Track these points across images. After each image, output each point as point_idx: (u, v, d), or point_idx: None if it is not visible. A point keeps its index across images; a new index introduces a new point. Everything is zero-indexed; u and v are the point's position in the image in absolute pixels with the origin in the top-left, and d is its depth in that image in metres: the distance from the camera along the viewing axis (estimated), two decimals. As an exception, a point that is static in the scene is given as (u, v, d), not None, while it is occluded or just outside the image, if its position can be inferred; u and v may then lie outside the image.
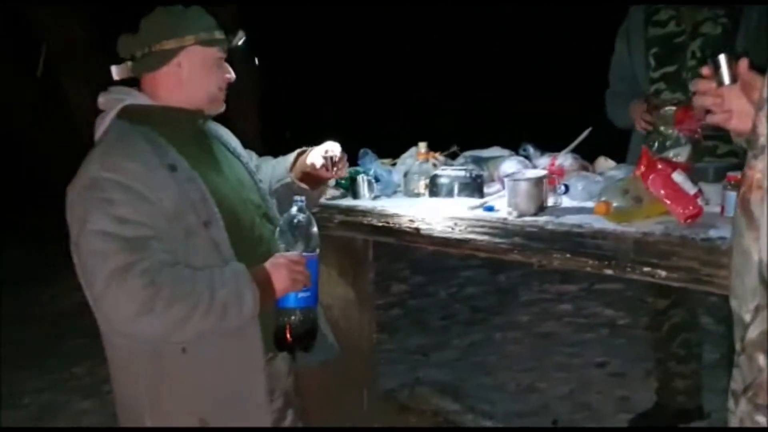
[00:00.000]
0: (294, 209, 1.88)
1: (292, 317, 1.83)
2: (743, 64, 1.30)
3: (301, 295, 1.81)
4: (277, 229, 1.90)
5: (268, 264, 1.79)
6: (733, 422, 1.03)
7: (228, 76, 1.93)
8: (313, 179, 2.20)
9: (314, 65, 10.63)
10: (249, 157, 2.17)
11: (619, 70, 2.97)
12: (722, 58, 1.34)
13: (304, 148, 2.27)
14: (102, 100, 1.86)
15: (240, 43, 1.94)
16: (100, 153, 1.74)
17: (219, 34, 1.87)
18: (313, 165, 2.15)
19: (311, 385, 2.41)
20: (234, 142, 2.10)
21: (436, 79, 10.61)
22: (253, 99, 7.35)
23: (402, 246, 2.48)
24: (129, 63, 1.85)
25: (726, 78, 1.33)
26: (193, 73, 1.84)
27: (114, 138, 1.77)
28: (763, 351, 0.96)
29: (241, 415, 1.82)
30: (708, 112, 1.38)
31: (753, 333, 0.99)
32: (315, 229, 1.91)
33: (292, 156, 2.26)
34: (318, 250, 1.89)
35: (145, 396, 1.81)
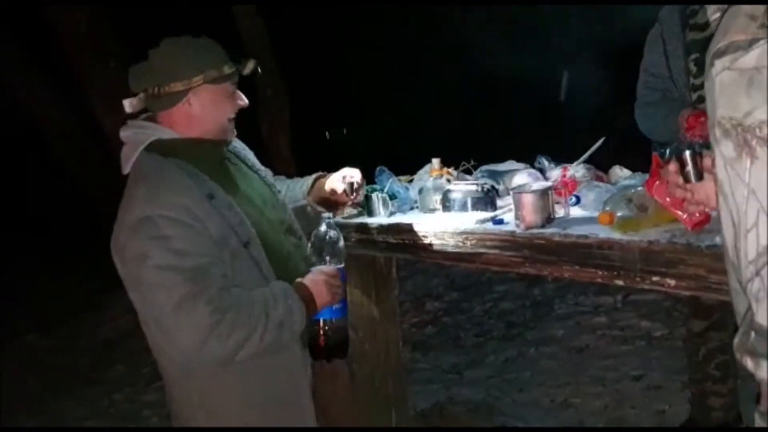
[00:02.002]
0: (324, 226, 1.98)
1: (327, 327, 1.92)
2: (707, 161, 1.38)
3: (336, 306, 1.91)
4: (309, 245, 2.00)
5: (307, 281, 1.87)
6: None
7: (240, 102, 1.96)
8: (330, 203, 2.26)
9: (338, 80, 10.70)
10: (266, 171, 2.21)
11: (651, 79, 2.75)
12: (687, 156, 1.44)
13: (322, 173, 2.33)
14: (126, 134, 1.90)
15: (249, 71, 1.96)
16: (145, 190, 1.78)
17: (228, 68, 1.89)
18: (333, 191, 2.23)
19: (339, 405, 2.41)
20: (250, 156, 2.14)
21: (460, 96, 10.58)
22: (283, 118, 7.42)
23: (437, 262, 2.49)
24: (141, 96, 1.89)
25: (692, 176, 1.45)
26: (204, 109, 1.88)
27: (153, 173, 1.82)
28: (747, 353, 0.97)
29: (290, 421, 1.91)
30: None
31: (736, 338, 1.00)
32: (342, 242, 2.01)
33: (310, 179, 2.32)
34: (344, 263, 1.99)
35: (200, 412, 1.89)
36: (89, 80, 7.09)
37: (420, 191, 2.53)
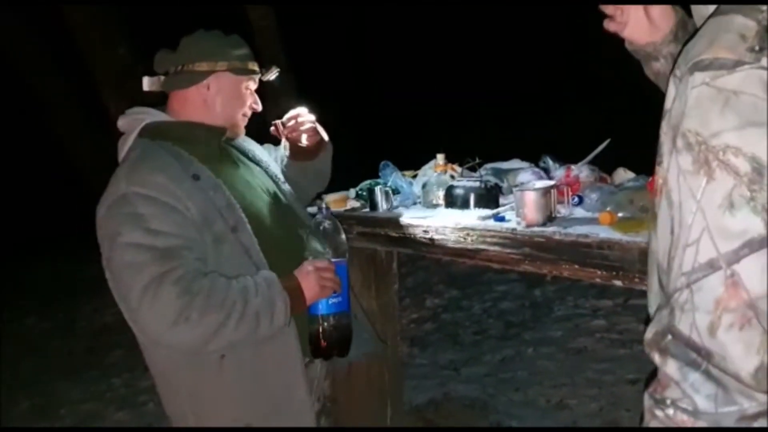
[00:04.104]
0: (319, 216, 1.94)
1: (325, 324, 1.87)
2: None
3: (332, 301, 1.86)
4: (305, 236, 1.94)
5: (296, 272, 1.82)
6: (645, 417, 1.08)
7: (255, 105, 1.98)
8: (301, 151, 2.17)
9: (350, 76, 10.71)
10: (270, 157, 2.18)
11: None
12: None
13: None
14: (122, 122, 1.91)
15: (272, 78, 1.99)
16: (125, 170, 1.78)
17: (252, 66, 1.93)
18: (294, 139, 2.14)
19: (335, 398, 2.42)
20: (254, 148, 2.13)
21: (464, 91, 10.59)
22: (292, 108, 7.43)
23: (438, 259, 2.49)
24: (161, 77, 1.91)
25: None
26: (220, 97, 1.90)
27: (137, 155, 1.81)
28: (658, 349, 1.02)
29: (285, 417, 1.86)
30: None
31: (649, 333, 1.05)
32: (342, 235, 1.96)
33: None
34: (347, 256, 1.95)
35: (188, 405, 1.85)
36: (97, 66, 7.10)
37: (423, 186, 2.53)
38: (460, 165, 2.63)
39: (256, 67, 1.94)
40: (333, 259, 1.89)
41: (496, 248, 2.01)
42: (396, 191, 2.58)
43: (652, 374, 1.07)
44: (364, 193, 2.59)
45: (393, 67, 10.76)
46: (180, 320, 1.63)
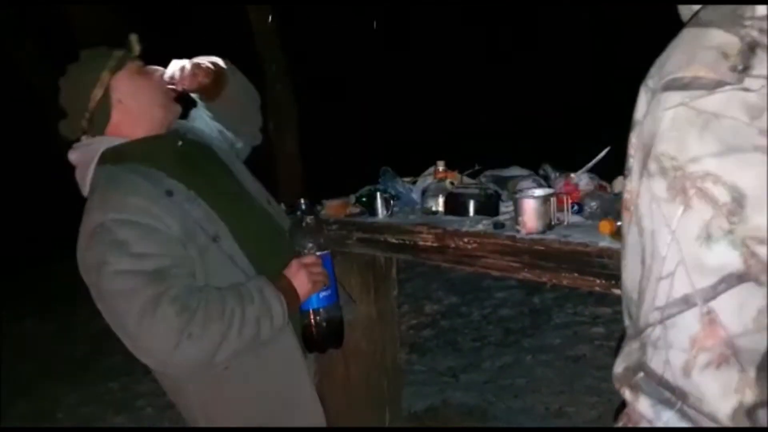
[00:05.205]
0: (299, 212, 1.94)
1: (317, 317, 1.89)
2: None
3: (322, 294, 1.88)
4: (287, 233, 1.94)
5: (286, 271, 1.82)
6: None
7: (159, 76, 1.91)
8: (208, 90, 2.04)
9: (348, 81, 10.72)
10: (232, 152, 2.12)
11: None
12: None
13: None
14: (75, 156, 1.87)
15: (138, 46, 1.90)
16: (97, 199, 1.74)
17: (118, 52, 1.86)
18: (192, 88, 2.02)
19: (334, 403, 2.42)
20: (203, 135, 2.06)
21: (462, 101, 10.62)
22: (291, 115, 7.41)
23: (437, 265, 2.48)
24: (83, 137, 1.87)
25: None
26: (135, 98, 1.85)
27: (105, 182, 1.77)
28: (629, 386, 0.96)
29: (296, 414, 1.88)
30: None
31: (619, 368, 0.98)
32: (323, 228, 1.97)
33: None
34: (329, 248, 1.94)
35: (200, 414, 1.87)
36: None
37: (423, 193, 2.53)
38: (460, 172, 2.63)
39: (123, 50, 1.87)
40: (318, 253, 1.89)
41: (495, 256, 2.01)
42: (396, 197, 2.58)
43: (621, 406, 1.01)
44: (364, 199, 2.59)
45: (396, 72, 10.77)
46: (183, 338, 1.61)
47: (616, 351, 1.03)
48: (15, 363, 5.29)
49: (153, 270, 1.64)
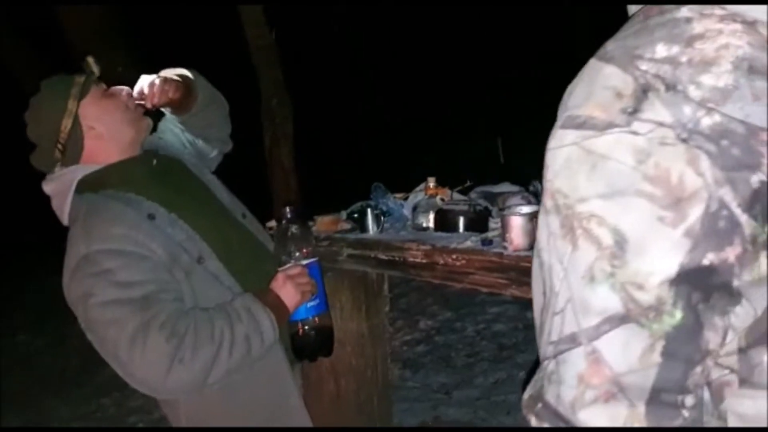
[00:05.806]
0: (284, 221, 1.92)
1: (306, 327, 1.88)
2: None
3: (310, 304, 1.86)
4: (273, 244, 1.94)
5: (272, 285, 1.81)
6: None
7: (126, 95, 1.90)
8: (178, 104, 2.03)
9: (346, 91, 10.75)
10: (202, 164, 2.12)
11: None
12: None
13: None
14: (50, 187, 1.86)
15: (96, 67, 1.89)
16: (79, 230, 1.73)
17: (79, 77, 1.85)
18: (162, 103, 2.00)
19: (323, 419, 2.41)
20: (189, 160, 2.06)
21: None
22: (287, 129, 7.40)
23: (427, 281, 2.48)
24: (57, 168, 1.85)
25: None
26: (105, 123, 1.84)
27: (86, 212, 1.76)
28: (533, 414, 0.98)
29: (284, 424, 1.88)
30: None
31: (526, 395, 1.00)
32: (310, 236, 1.95)
33: None
34: (317, 257, 1.93)
35: (188, 426, 1.87)
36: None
37: (414, 209, 2.54)
38: (451, 188, 2.63)
39: (82, 76, 1.85)
40: (304, 262, 1.88)
41: (483, 272, 2.01)
42: (386, 213, 2.58)
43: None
44: (356, 215, 2.59)
45: (389, 89, 10.81)
46: (174, 363, 1.61)
47: (527, 378, 1.05)
48: (7, 376, 5.27)
49: (140, 297, 1.64)
